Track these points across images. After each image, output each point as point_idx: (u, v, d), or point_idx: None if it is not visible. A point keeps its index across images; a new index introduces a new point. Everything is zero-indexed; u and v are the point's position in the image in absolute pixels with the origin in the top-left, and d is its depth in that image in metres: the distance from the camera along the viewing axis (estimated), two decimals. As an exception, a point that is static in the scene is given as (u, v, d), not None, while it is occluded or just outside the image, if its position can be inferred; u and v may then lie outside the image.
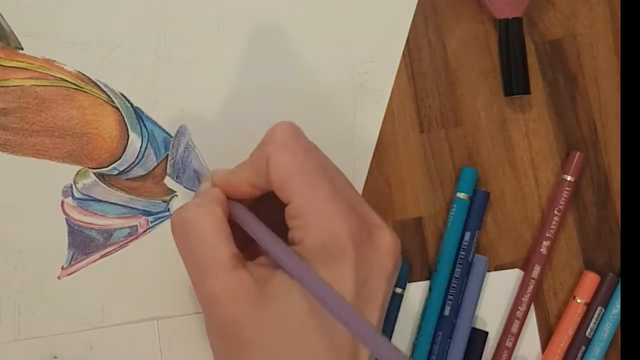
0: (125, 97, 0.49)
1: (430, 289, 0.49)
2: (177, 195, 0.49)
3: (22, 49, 0.48)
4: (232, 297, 0.39)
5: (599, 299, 0.49)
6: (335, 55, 0.50)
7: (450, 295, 0.49)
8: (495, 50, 0.51)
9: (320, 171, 0.41)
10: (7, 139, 0.48)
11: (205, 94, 0.49)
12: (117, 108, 0.49)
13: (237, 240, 0.41)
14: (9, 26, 0.48)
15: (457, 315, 0.49)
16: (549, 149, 0.51)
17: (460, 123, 0.51)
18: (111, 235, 0.49)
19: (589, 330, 0.49)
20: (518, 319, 0.49)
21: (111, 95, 0.49)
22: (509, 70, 0.50)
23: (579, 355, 0.49)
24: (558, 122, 0.51)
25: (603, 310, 0.49)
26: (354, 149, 0.50)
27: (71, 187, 0.48)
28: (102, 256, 0.49)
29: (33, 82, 0.48)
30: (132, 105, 0.49)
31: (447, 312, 0.49)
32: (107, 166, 0.48)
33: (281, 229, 0.41)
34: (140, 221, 0.49)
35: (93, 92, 0.49)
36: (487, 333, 0.49)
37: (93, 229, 0.48)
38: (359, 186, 0.50)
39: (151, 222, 0.49)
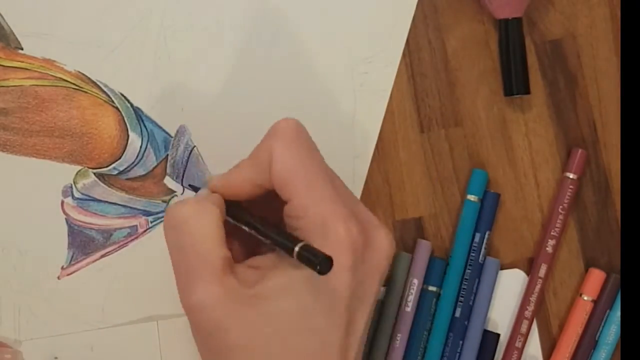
0: (125, 97, 0.49)
1: (440, 291, 0.49)
2: (177, 195, 0.49)
3: (22, 49, 0.48)
4: (218, 302, 0.38)
5: (604, 300, 0.49)
6: (335, 55, 0.50)
7: (461, 297, 0.49)
8: (495, 50, 0.51)
9: (322, 172, 0.41)
10: (7, 139, 0.48)
11: (205, 94, 0.49)
12: (117, 108, 0.49)
13: (230, 240, 0.41)
14: (9, 26, 0.48)
15: (468, 317, 0.49)
16: (549, 149, 0.51)
17: (460, 123, 0.51)
18: (111, 235, 0.48)
19: (598, 333, 0.49)
20: (527, 318, 0.49)
21: (111, 95, 0.49)
22: (509, 70, 0.50)
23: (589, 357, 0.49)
24: (558, 122, 0.51)
25: (609, 312, 0.49)
26: (354, 149, 0.50)
27: (71, 187, 0.48)
28: (102, 256, 0.48)
29: (33, 82, 0.48)
30: (132, 105, 0.49)
31: (457, 313, 0.49)
32: (107, 166, 0.48)
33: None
34: (140, 221, 0.49)
35: (93, 92, 0.49)
36: (499, 335, 0.49)
37: (93, 229, 0.48)
38: (359, 186, 0.50)
39: (151, 222, 0.49)
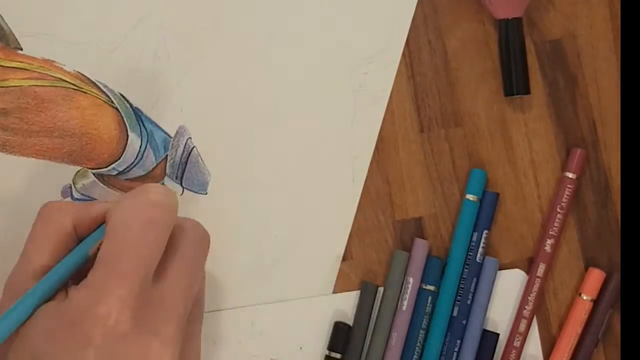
0: (124, 97, 0.49)
1: (439, 290, 0.49)
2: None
3: (21, 49, 0.48)
4: (13, 297, 0.38)
5: (606, 299, 0.49)
6: (335, 55, 0.50)
7: (459, 296, 0.49)
8: (495, 50, 0.51)
9: (140, 250, 0.37)
10: (6, 139, 0.48)
11: (205, 94, 0.49)
12: (116, 108, 0.48)
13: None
14: (8, 26, 0.48)
15: (467, 316, 0.49)
16: (549, 149, 0.51)
17: (460, 123, 0.51)
18: (111, 235, 0.48)
19: (601, 333, 0.49)
20: (525, 318, 0.49)
21: (110, 96, 0.48)
22: (509, 70, 0.50)
23: (590, 355, 0.49)
24: (558, 122, 0.51)
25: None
26: (353, 149, 0.50)
27: (70, 187, 0.48)
28: (102, 256, 0.48)
29: (32, 82, 0.48)
30: (131, 105, 0.49)
31: (455, 313, 0.49)
32: (107, 166, 0.48)
33: None
34: (140, 221, 0.49)
35: (92, 92, 0.48)
36: (497, 335, 0.49)
37: (92, 229, 0.48)
38: (359, 186, 0.50)
39: (151, 223, 0.49)
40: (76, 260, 0.39)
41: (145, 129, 0.49)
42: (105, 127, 0.48)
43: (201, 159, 0.49)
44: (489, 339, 0.49)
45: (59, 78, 0.48)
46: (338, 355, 0.48)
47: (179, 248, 0.39)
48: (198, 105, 0.49)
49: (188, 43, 0.49)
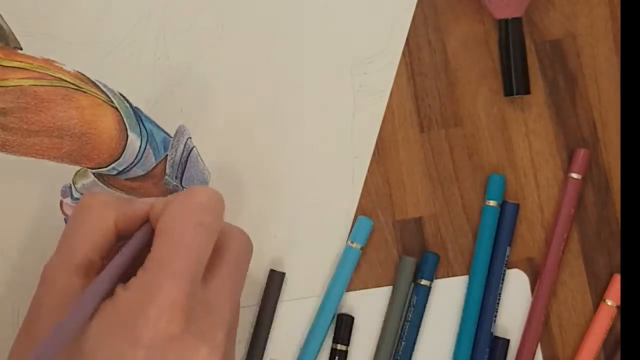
0: (124, 97, 0.49)
1: (465, 304, 0.49)
2: (176, 196, 0.49)
3: (21, 48, 0.48)
4: (54, 290, 0.37)
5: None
6: (335, 55, 0.50)
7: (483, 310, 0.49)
8: (495, 50, 0.51)
9: (191, 253, 0.37)
10: (6, 139, 0.48)
11: (205, 94, 0.49)
12: (116, 108, 0.48)
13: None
14: (8, 26, 0.48)
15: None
16: (549, 149, 0.51)
17: (460, 123, 0.51)
18: (110, 235, 0.48)
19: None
20: (538, 320, 0.49)
21: (110, 95, 0.49)
22: (509, 70, 0.50)
23: None
24: (558, 122, 0.51)
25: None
26: (353, 149, 0.50)
27: (70, 187, 0.48)
28: (102, 256, 0.48)
29: (32, 82, 0.48)
30: (131, 105, 0.49)
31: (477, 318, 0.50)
32: (106, 166, 0.48)
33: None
34: (140, 221, 0.49)
35: (92, 92, 0.48)
36: (508, 341, 0.49)
37: (92, 229, 0.48)
38: (359, 186, 0.50)
39: (150, 222, 0.49)
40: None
41: (145, 129, 0.49)
42: (105, 126, 0.48)
43: (201, 158, 0.49)
44: (500, 345, 0.49)
45: (59, 78, 0.48)
46: (344, 347, 0.48)
47: (225, 254, 0.39)
48: (198, 105, 0.49)
49: (188, 43, 0.49)
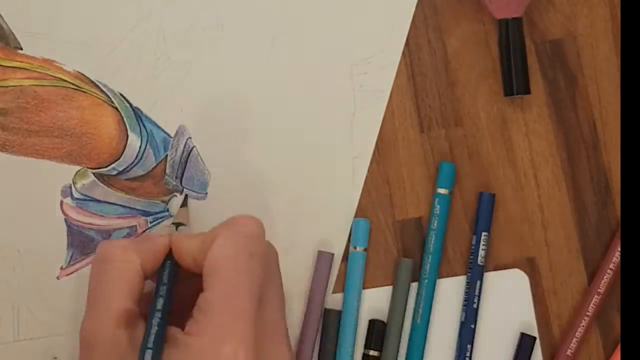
0: (124, 97, 0.49)
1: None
2: (176, 196, 0.49)
3: (21, 48, 0.48)
4: (101, 349, 0.37)
5: None
6: (335, 55, 0.50)
7: (465, 301, 0.49)
8: (495, 50, 0.51)
9: (252, 285, 0.37)
10: (6, 139, 0.48)
11: (205, 94, 0.49)
12: (116, 108, 0.49)
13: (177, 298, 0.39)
14: (8, 26, 0.48)
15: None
16: (549, 149, 0.51)
17: (460, 123, 0.51)
18: (110, 235, 0.48)
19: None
20: (582, 327, 0.49)
21: (110, 95, 0.49)
22: (509, 70, 0.50)
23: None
24: (558, 122, 0.51)
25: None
26: (353, 149, 0.50)
27: (70, 187, 0.48)
28: (102, 256, 0.48)
29: (32, 82, 0.48)
30: (131, 105, 0.49)
31: (462, 318, 0.49)
32: (106, 166, 0.48)
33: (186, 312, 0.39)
34: (140, 221, 0.49)
35: (92, 92, 0.48)
36: (535, 338, 0.49)
37: (92, 229, 0.48)
38: (359, 186, 0.50)
39: (150, 223, 0.49)
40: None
41: (145, 129, 0.49)
42: (105, 127, 0.48)
43: (201, 158, 0.49)
44: (526, 342, 0.49)
45: (59, 78, 0.48)
46: (377, 353, 0.49)
47: (269, 273, 0.39)
48: (198, 105, 0.49)
49: (188, 43, 0.49)
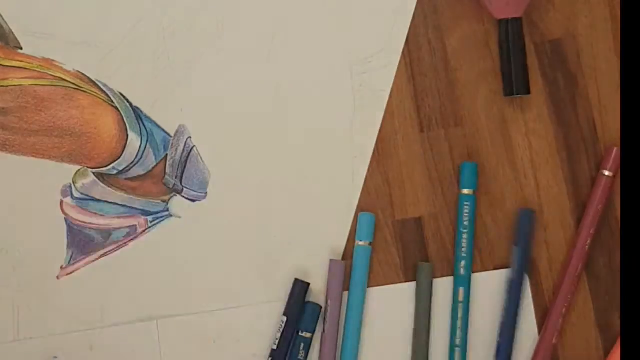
0: (124, 96, 0.49)
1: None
2: (176, 195, 0.49)
3: (21, 48, 0.48)
4: None
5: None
6: (335, 55, 0.50)
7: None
8: (495, 50, 0.51)
9: None
10: (6, 138, 0.48)
11: (205, 94, 0.49)
12: (116, 108, 0.49)
13: None
14: (8, 26, 0.48)
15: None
16: (549, 149, 0.51)
17: (460, 123, 0.51)
18: (110, 234, 0.48)
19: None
20: (561, 316, 0.49)
21: (110, 95, 0.49)
22: (509, 70, 0.50)
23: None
24: (558, 122, 0.51)
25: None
26: (353, 149, 0.50)
27: (70, 186, 0.48)
28: (101, 256, 0.48)
29: (32, 81, 0.48)
30: (131, 105, 0.49)
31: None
32: (106, 166, 0.48)
33: None
34: (140, 221, 0.49)
35: (92, 91, 0.49)
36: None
37: (92, 228, 0.48)
38: (359, 186, 0.50)
39: (150, 222, 0.49)
40: None
41: (145, 129, 0.49)
42: (105, 126, 0.48)
43: (201, 158, 0.49)
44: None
45: (59, 77, 0.48)
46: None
47: None
48: (198, 105, 0.49)
49: (188, 43, 0.49)
